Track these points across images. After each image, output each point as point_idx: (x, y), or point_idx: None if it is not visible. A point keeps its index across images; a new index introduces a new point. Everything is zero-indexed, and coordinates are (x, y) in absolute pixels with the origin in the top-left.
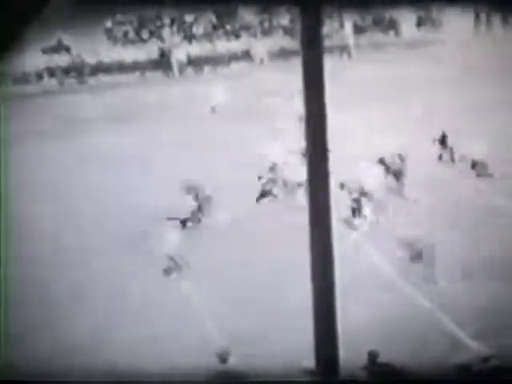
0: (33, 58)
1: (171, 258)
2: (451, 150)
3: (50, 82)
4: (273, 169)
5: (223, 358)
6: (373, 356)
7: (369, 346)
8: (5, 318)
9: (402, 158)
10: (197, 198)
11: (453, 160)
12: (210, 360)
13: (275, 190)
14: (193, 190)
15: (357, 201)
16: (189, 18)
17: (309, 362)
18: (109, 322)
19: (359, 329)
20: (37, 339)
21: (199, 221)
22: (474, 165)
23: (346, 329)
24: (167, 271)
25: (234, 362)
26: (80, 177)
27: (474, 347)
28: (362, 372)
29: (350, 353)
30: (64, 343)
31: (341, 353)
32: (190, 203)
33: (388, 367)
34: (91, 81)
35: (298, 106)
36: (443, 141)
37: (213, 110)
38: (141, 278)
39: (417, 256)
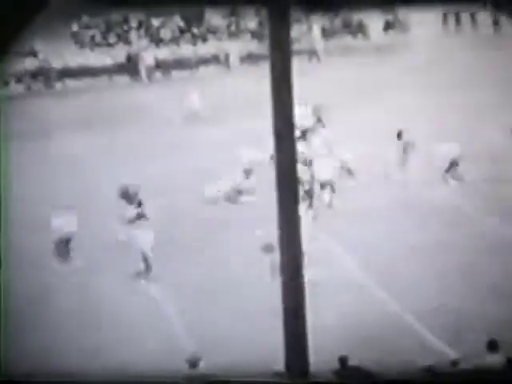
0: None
1: (143, 260)
2: (412, 148)
3: (17, 87)
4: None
5: (193, 363)
6: (343, 360)
7: (339, 350)
8: (5, 318)
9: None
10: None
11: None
12: (180, 364)
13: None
14: (129, 194)
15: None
16: (156, 21)
17: (279, 365)
18: (79, 325)
19: (329, 332)
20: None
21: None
22: (444, 166)
23: (317, 332)
24: (138, 274)
25: (204, 365)
26: (49, 182)
27: (442, 350)
28: (331, 376)
29: (320, 356)
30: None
31: (311, 356)
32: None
33: (358, 371)
34: (58, 85)
35: (267, 109)
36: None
37: (181, 114)
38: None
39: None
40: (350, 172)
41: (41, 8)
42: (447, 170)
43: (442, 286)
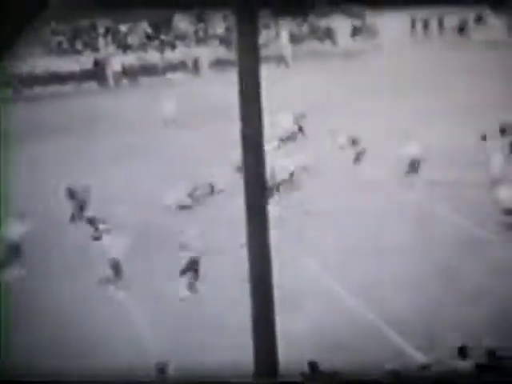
0: None
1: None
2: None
3: None
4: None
5: (161, 369)
6: (312, 366)
7: (308, 356)
8: (5, 319)
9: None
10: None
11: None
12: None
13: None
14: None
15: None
16: (123, 28)
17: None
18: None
19: (299, 338)
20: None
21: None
22: (405, 167)
23: (286, 338)
24: (105, 280)
25: (172, 372)
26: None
27: (411, 354)
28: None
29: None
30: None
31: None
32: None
33: (326, 375)
34: (26, 92)
35: (235, 116)
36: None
37: (150, 119)
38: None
39: None
40: (307, 172)
41: (39, 12)
42: (408, 171)
43: (412, 288)
